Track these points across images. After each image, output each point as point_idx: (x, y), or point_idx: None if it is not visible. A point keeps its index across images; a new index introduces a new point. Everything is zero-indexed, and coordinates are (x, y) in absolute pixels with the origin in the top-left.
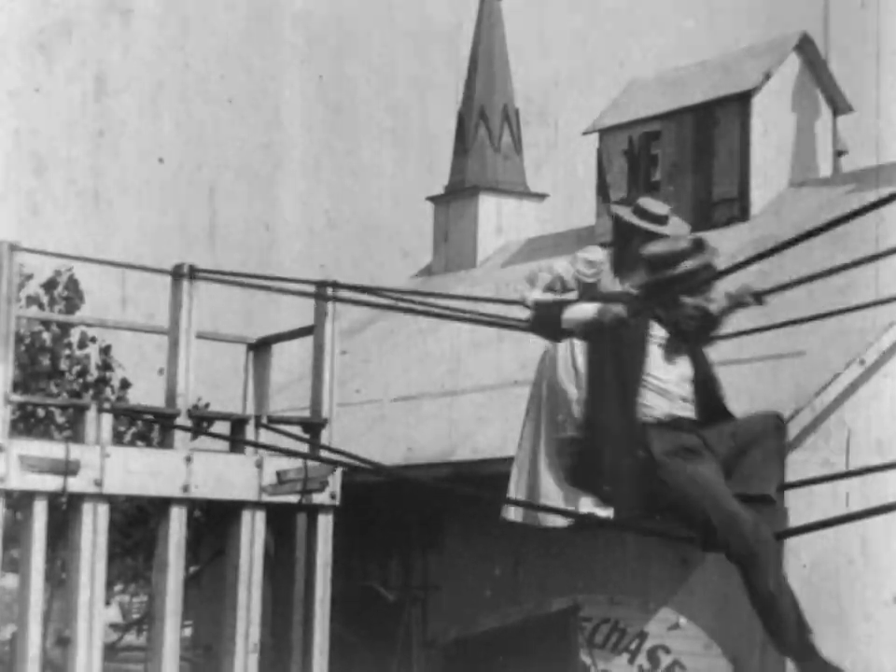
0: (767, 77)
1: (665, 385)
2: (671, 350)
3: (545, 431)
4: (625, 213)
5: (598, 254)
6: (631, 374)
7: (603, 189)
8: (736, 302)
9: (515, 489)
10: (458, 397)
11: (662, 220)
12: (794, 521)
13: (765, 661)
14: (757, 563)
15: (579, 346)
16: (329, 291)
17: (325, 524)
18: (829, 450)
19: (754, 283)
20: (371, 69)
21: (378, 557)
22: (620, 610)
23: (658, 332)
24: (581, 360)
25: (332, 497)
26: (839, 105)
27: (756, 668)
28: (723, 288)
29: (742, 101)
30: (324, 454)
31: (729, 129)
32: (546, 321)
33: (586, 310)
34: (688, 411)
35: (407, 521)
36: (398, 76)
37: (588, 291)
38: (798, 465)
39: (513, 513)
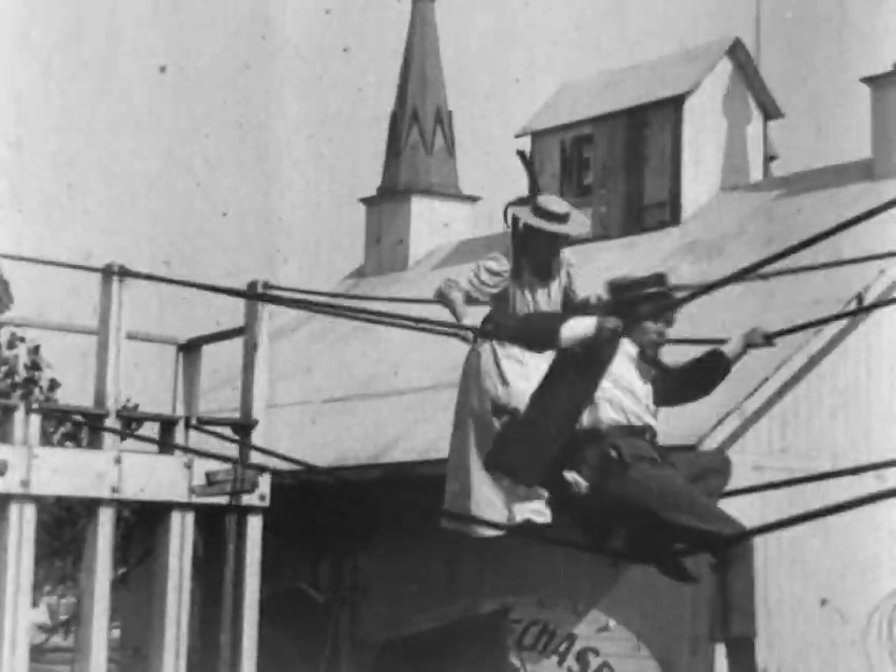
0: (699, 81)
1: (636, 393)
2: (643, 365)
3: (475, 439)
4: (524, 213)
5: (502, 263)
6: (596, 372)
7: (534, 193)
8: (748, 343)
9: (450, 497)
10: (390, 398)
11: (563, 219)
12: None
13: (693, 663)
14: (736, 553)
15: (501, 351)
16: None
17: (254, 525)
18: (758, 453)
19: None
20: (304, 69)
21: (308, 559)
22: (549, 613)
23: (630, 347)
24: (504, 363)
25: (262, 498)
26: (770, 111)
27: (684, 670)
28: (737, 332)
29: (674, 105)
30: (254, 455)
31: (661, 133)
32: (538, 338)
33: (586, 325)
34: (653, 422)
35: (337, 523)
36: (331, 75)
37: (493, 300)
38: None
39: (446, 520)
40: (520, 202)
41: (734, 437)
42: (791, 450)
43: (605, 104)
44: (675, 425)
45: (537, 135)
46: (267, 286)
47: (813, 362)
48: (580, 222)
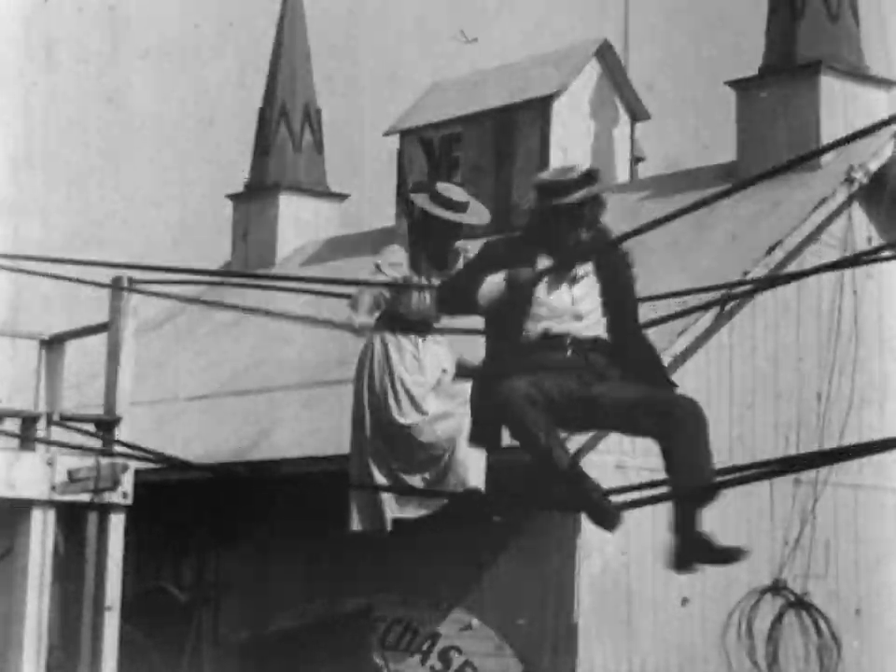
0: (567, 83)
1: (550, 304)
2: (559, 276)
3: (370, 433)
4: (423, 200)
5: (399, 253)
6: (517, 314)
7: (403, 191)
8: None
9: (356, 495)
10: (256, 395)
11: (461, 207)
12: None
13: (556, 662)
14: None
15: (392, 344)
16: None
17: (116, 523)
18: (622, 452)
19: None
20: (169, 65)
21: (170, 557)
22: (412, 611)
23: (544, 261)
24: (395, 357)
25: (124, 495)
26: (637, 113)
27: (547, 670)
28: None
29: (542, 106)
30: (118, 451)
31: (529, 133)
32: (458, 306)
33: (498, 286)
34: (567, 326)
35: (200, 520)
36: (199, 71)
37: (392, 290)
38: (594, 468)
39: (357, 523)
40: (419, 188)
41: (597, 436)
42: (652, 449)
43: (474, 103)
44: None
45: (405, 134)
46: (132, 280)
47: (677, 362)
48: (478, 212)
